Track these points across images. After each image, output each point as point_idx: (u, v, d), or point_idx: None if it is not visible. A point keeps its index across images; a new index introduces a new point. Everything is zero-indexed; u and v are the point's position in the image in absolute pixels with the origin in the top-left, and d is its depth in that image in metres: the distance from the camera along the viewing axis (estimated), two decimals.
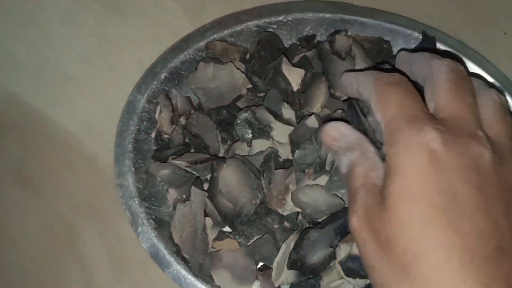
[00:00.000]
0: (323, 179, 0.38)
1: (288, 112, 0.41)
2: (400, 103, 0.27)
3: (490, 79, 0.45)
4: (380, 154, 0.30)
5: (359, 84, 0.32)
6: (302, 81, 0.42)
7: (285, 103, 0.41)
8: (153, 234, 0.41)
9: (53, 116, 0.49)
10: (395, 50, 0.47)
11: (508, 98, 0.45)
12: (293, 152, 0.38)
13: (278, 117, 0.40)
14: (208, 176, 0.42)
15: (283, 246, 0.38)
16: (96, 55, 0.51)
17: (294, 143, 0.39)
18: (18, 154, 0.48)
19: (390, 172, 0.26)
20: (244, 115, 0.41)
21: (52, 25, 0.51)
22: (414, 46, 0.47)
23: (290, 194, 0.38)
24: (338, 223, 0.38)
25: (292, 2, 0.49)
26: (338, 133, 0.31)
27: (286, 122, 0.40)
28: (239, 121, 0.41)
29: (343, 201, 0.38)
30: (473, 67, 0.46)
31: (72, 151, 0.48)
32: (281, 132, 0.40)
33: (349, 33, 0.47)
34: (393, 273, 0.25)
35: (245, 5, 0.51)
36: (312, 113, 0.40)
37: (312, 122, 0.39)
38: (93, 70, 0.50)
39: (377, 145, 0.31)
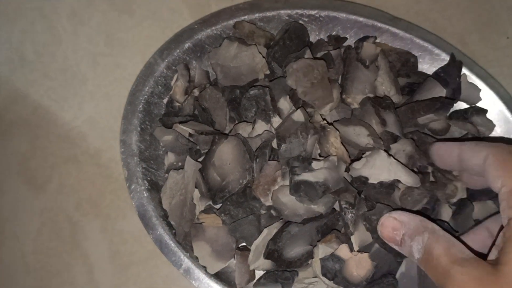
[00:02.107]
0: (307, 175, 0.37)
1: (284, 104, 0.41)
2: None
3: (507, 112, 0.45)
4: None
5: (465, 151, 0.33)
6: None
7: (288, 96, 0.41)
8: (145, 195, 0.42)
9: (58, 113, 0.50)
10: (420, 67, 0.47)
11: None
12: (279, 146, 0.39)
13: (274, 101, 0.40)
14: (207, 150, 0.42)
15: (265, 231, 0.38)
16: (102, 52, 0.51)
17: (280, 137, 0.39)
18: (23, 149, 0.49)
19: None
20: (255, 91, 0.41)
21: (60, 23, 0.52)
22: (438, 66, 0.46)
23: (276, 187, 0.38)
24: (321, 222, 0.38)
25: None
26: (397, 222, 0.31)
27: (277, 110, 0.40)
28: (248, 95, 0.41)
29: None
30: (494, 100, 0.45)
31: (76, 147, 0.48)
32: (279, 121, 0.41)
33: (377, 41, 0.47)
34: None
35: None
36: (299, 107, 0.40)
37: (297, 116, 0.39)
38: (99, 67, 0.51)
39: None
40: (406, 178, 0.37)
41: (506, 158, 0.29)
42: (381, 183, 0.37)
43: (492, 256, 0.28)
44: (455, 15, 0.53)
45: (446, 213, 0.39)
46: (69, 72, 0.51)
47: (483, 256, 0.28)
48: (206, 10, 0.51)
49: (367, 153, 0.38)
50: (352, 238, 0.37)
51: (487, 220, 0.35)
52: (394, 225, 0.31)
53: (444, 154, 0.36)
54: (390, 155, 0.38)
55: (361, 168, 0.38)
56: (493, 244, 0.29)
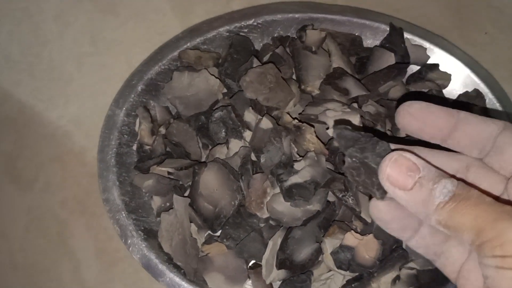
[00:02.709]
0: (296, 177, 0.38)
1: (249, 116, 0.41)
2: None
3: (459, 62, 0.47)
4: None
5: (464, 121, 0.25)
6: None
7: (250, 107, 0.42)
8: (143, 245, 0.41)
9: (44, 112, 0.50)
10: (365, 43, 0.49)
11: (473, 75, 0.46)
12: (258, 158, 0.39)
13: (239, 117, 0.41)
14: (191, 183, 0.42)
15: (270, 243, 0.39)
16: (87, 52, 0.52)
17: (257, 149, 0.39)
18: (9, 148, 0.49)
19: None
20: (219, 113, 0.41)
21: (46, 24, 0.53)
22: (382, 38, 0.48)
23: (268, 198, 0.39)
24: (320, 218, 0.38)
25: (262, 5, 0.50)
26: (413, 164, 0.23)
27: (245, 124, 0.41)
28: (214, 119, 0.42)
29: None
30: (440, 53, 0.47)
31: (62, 146, 0.49)
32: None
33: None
34: None
35: (232, 4, 0.53)
36: (264, 114, 0.41)
37: (265, 123, 0.40)
38: (84, 67, 0.52)
39: None
40: None
41: (455, 215, 0.22)
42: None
43: None
44: (435, 12, 0.55)
45: None
46: (54, 72, 0.52)
47: None
48: (189, 10, 0.53)
49: (346, 109, 0.39)
50: (363, 215, 0.38)
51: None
52: (409, 165, 0.23)
53: (435, 118, 0.26)
54: (364, 121, 0.39)
55: (331, 118, 0.39)
56: None
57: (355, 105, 0.40)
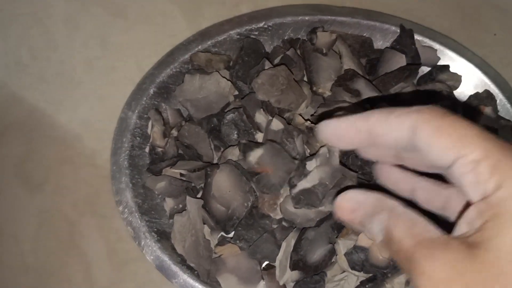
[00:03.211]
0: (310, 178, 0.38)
1: (260, 118, 0.42)
2: (481, 135, 0.21)
3: (469, 64, 0.47)
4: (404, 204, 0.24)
5: (376, 125, 0.24)
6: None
7: (262, 109, 0.42)
8: (157, 247, 0.41)
9: (54, 115, 0.50)
10: (375, 45, 0.49)
11: (483, 77, 0.46)
12: None
13: (250, 118, 0.41)
14: (203, 184, 0.42)
15: (284, 244, 0.39)
16: (97, 56, 0.53)
17: None
18: (19, 151, 0.49)
19: (498, 219, 0.21)
20: (231, 115, 0.42)
21: (56, 28, 0.54)
22: (392, 40, 0.48)
23: (281, 199, 0.39)
24: (333, 219, 0.38)
25: (272, 8, 0.50)
26: (354, 202, 0.25)
27: (255, 126, 0.41)
28: (226, 121, 0.42)
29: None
30: (450, 54, 0.47)
31: (72, 149, 0.49)
32: None
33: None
34: None
35: (241, 7, 0.53)
36: (274, 115, 0.41)
37: (276, 125, 0.40)
38: (94, 71, 0.52)
39: None
40: None
41: (445, 124, 0.22)
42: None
43: (460, 231, 0.22)
44: (442, 13, 0.55)
45: None
46: (64, 76, 0.52)
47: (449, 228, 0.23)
48: (198, 13, 0.53)
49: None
50: None
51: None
52: (351, 206, 0.25)
53: (346, 133, 0.26)
54: None
55: None
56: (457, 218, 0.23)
57: (367, 106, 0.40)
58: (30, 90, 0.51)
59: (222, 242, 0.41)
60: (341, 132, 0.26)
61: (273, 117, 0.41)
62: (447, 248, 0.21)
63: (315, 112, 0.42)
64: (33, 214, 0.47)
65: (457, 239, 0.22)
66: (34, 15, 0.54)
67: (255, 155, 0.39)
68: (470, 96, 0.46)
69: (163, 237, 0.42)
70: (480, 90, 0.46)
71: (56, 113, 0.50)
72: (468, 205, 0.22)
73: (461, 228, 0.22)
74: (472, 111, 0.44)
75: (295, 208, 0.37)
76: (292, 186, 0.38)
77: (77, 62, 0.52)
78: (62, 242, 0.46)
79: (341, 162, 0.38)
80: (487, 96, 0.45)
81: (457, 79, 0.46)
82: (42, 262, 0.46)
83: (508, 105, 0.45)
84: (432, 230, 0.22)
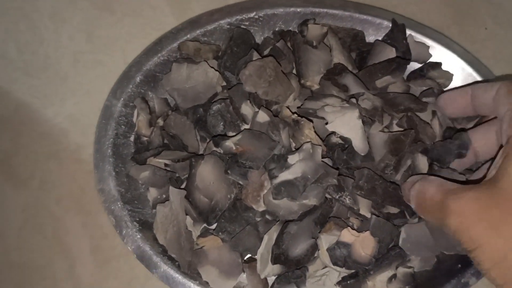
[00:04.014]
0: (292, 171, 0.38)
1: (246, 109, 0.41)
2: None
3: (459, 59, 0.46)
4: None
5: (478, 88, 0.36)
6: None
7: (248, 101, 0.41)
8: (138, 236, 0.41)
9: (40, 110, 0.50)
10: (366, 40, 0.48)
11: (475, 74, 0.46)
12: None
13: (236, 109, 0.41)
14: (187, 175, 0.42)
15: (266, 237, 0.38)
16: (83, 50, 0.52)
17: None
18: (5, 146, 0.49)
19: None
20: (217, 106, 0.41)
21: (42, 22, 0.53)
22: (384, 34, 0.48)
23: (265, 191, 0.39)
24: (316, 213, 0.38)
25: None
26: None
27: (241, 117, 0.41)
28: (212, 112, 0.41)
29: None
30: (442, 50, 0.47)
31: (58, 144, 0.49)
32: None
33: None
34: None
35: (230, 1, 0.52)
36: (260, 107, 0.40)
37: (262, 117, 0.39)
38: (80, 65, 0.51)
39: None
40: (357, 143, 0.38)
41: None
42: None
43: (490, 176, 0.28)
44: (434, 8, 0.54)
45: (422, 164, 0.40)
46: (50, 70, 0.51)
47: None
48: (186, 7, 0.53)
49: (345, 104, 0.39)
50: (361, 212, 0.38)
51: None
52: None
53: (457, 98, 0.38)
54: (362, 118, 0.39)
55: (330, 113, 0.39)
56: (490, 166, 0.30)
57: (353, 100, 0.40)
58: (16, 85, 0.51)
59: (204, 233, 0.41)
60: (454, 97, 0.39)
61: (259, 109, 0.41)
62: (470, 190, 0.27)
63: (301, 105, 0.41)
64: (18, 210, 0.47)
65: (481, 183, 0.28)
66: (20, 9, 0.53)
67: (233, 140, 0.38)
68: None
69: (145, 227, 0.42)
70: None
71: (42, 108, 0.50)
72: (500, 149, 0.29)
73: (490, 172, 0.28)
74: None
75: (275, 199, 0.37)
76: (273, 177, 0.37)
77: (63, 57, 0.52)
78: (47, 238, 0.46)
79: (324, 157, 0.38)
80: None
81: (448, 77, 0.46)
82: (26, 259, 0.46)
83: None
84: (458, 185, 0.29)
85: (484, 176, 0.30)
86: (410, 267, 0.39)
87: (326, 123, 0.39)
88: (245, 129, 0.40)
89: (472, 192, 0.27)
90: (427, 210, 0.30)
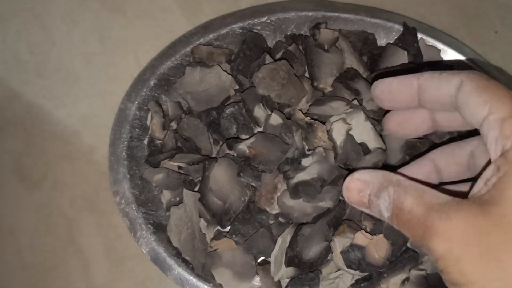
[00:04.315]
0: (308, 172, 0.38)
1: (259, 112, 0.41)
2: None
3: (472, 64, 0.46)
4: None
5: (427, 80, 0.27)
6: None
7: (261, 104, 0.42)
8: (152, 239, 0.41)
9: (53, 111, 0.50)
10: (378, 43, 0.49)
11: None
12: None
13: (249, 112, 0.41)
14: (201, 178, 0.42)
15: (279, 240, 0.38)
16: (95, 52, 0.53)
17: None
18: (17, 147, 0.49)
19: None
20: (230, 109, 0.41)
21: (54, 23, 0.54)
22: (395, 38, 0.48)
23: (278, 193, 0.39)
24: (330, 216, 0.38)
25: (276, 2, 0.50)
26: (360, 183, 0.26)
27: (254, 120, 0.41)
28: (225, 115, 0.41)
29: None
30: (453, 53, 0.47)
31: (70, 145, 0.49)
32: None
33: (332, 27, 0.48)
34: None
35: (240, 3, 0.53)
36: (273, 110, 0.40)
37: (275, 119, 0.40)
38: (92, 66, 0.52)
39: None
40: (373, 144, 0.38)
41: (486, 83, 0.24)
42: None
43: (479, 192, 0.23)
44: (443, 10, 0.54)
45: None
46: (62, 71, 0.52)
47: (461, 196, 0.23)
48: (197, 9, 0.53)
49: (348, 110, 0.39)
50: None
51: (432, 152, 0.30)
52: (358, 186, 0.26)
53: (398, 88, 0.29)
54: (369, 118, 0.39)
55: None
56: (474, 178, 0.25)
57: (355, 102, 0.40)
58: (28, 86, 0.51)
59: (218, 236, 0.41)
60: (394, 88, 0.29)
61: (272, 111, 0.41)
62: (460, 208, 0.22)
63: (308, 110, 0.42)
64: (31, 210, 0.47)
65: (469, 199, 0.23)
66: (32, 11, 0.54)
67: (246, 143, 0.39)
68: None
69: (159, 229, 0.42)
70: None
71: (55, 109, 0.50)
72: (489, 163, 0.23)
73: (478, 186, 0.23)
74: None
75: (293, 199, 0.37)
76: (289, 178, 0.37)
77: (75, 58, 0.52)
78: (60, 239, 0.46)
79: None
80: None
81: None
82: (40, 259, 0.46)
83: None
84: (442, 196, 0.23)
85: (469, 191, 0.24)
86: (423, 270, 0.39)
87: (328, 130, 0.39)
88: (258, 132, 0.40)
89: (463, 212, 0.22)
90: (403, 224, 0.24)
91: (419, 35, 0.47)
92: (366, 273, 0.39)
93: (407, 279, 0.39)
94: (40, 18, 0.54)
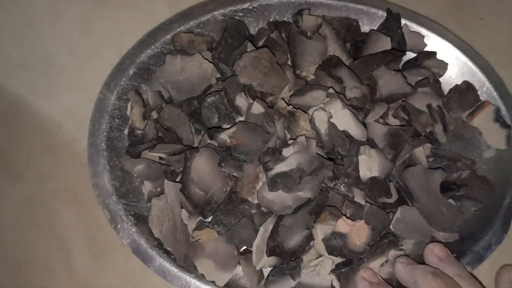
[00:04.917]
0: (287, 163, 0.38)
1: (240, 101, 0.41)
2: None
3: (454, 48, 0.46)
4: None
5: None
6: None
7: (243, 93, 0.41)
8: (133, 230, 0.41)
9: (36, 103, 0.50)
10: (362, 30, 0.48)
11: (470, 63, 0.46)
12: None
13: (231, 101, 0.40)
14: (182, 168, 0.42)
15: (261, 229, 0.38)
16: (78, 43, 0.52)
17: None
18: (0, 139, 0.49)
19: None
20: (212, 99, 0.41)
21: (37, 16, 0.53)
22: (379, 25, 0.47)
23: (260, 183, 0.38)
24: (311, 205, 0.38)
25: None
26: None
27: (235, 109, 0.40)
28: (206, 104, 0.41)
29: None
30: (437, 40, 0.47)
31: (53, 137, 0.49)
32: None
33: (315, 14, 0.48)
34: None
35: None
36: (255, 99, 0.40)
37: (256, 108, 0.39)
38: (76, 58, 0.51)
39: None
40: (355, 131, 0.38)
41: None
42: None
43: None
44: None
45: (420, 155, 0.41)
46: (46, 64, 0.51)
47: None
48: (181, 0, 0.52)
49: (325, 99, 0.39)
50: (356, 199, 0.38)
51: None
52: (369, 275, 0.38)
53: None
54: (347, 106, 0.38)
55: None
56: None
57: (331, 90, 0.40)
58: (12, 78, 0.51)
59: (200, 226, 0.41)
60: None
61: (254, 100, 0.40)
62: None
63: (289, 100, 0.41)
64: (13, 203, 0.47)
65: None
66: (16, 3, 0.53)
67: (227, 133, 0.38)
68: (450, 90, 0.45)
69: (140, 220, 0.42)
70: (466, 77, 0.45)
71: (38, 101, 0.50)
72: None
73: None
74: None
75: (271, 191, 0.37)
76: (268, 169, 0.37)
77: (59, 50, 0.52)
78: (42, 231, 0.46)
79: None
80: (466, 88, 0.45)
81: (443, 66, 0.46)
82: (21, 251, 0.46)
83: (495, 93, 0.45)
84: None
85: None
86: (401, 250, 0.39)
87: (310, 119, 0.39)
88: (239, 121, 0.40)
89: None
90: None
91: (403, 21, 0.46)
92: (346, 259, 0.39)
93: (386, 261, 0.39)
94: (24, 11, 0.53)
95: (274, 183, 0.37)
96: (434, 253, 0.37)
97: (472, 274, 0.36)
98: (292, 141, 0.39)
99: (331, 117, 0.38)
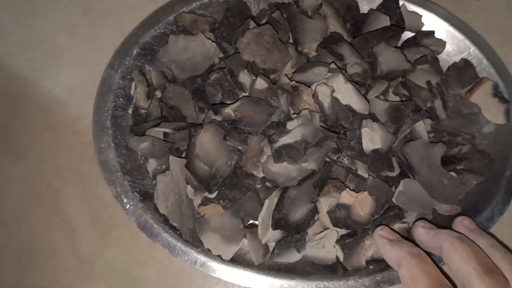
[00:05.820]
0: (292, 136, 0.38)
1: (244, 78, 0.41)
2: None
3: (453, 29, 0.47)
4: None
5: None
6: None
7: (246, 69, 0.41)
8: (139, 206, 0.41)
9: (37, 82, 0.50)
10: (361, 11, 0.49)
11: (467, 41, 0.47)
12: None
13: (234, 77, 0.41)
14: (187, 146, 0.42)
15: (267, 202, 0.39)
16: (79, 23, 0.53)
17: None
18: (2, 119, 0.49)
19: None
20: (215, 76, 0.41)
21: None
22: (377, 5, 0.48)
23: (264, 156, 0.39)
24: (315, 178, 0.39)
25: None
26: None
27: (239, 85, 0.41)
28: (210, 81, 0.41)
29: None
30: (435, 19, 0.47)
31: (55, 115, 0.49)
32: None
33: None
34: None
35: None
36: (258, 75, 0.41)
37: (260, 84, 0.40)
38: (77, 37, 0.52)
39: None
40: (357, 104, 0.39)
41: None
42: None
43: None
44: None
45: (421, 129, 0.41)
46: (47, 43, 0.52)
47: None
48: None
49: (328, 74, 0.39)
50: (359, 172, 0.38)
51: None
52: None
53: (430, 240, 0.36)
54: (349, 81, 0.39)
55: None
56: None
57: (333, 65, 0.40)
58: (13, 58, 0.51)
59: (205, 202, 0.41)
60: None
61: (257, 77, 0.41)
62: None
63: (291, 77, 0.42)
64: (16, 181, 0.47)
65: None
66: None
67: (231, 107, 0.39)
68: (449, 67, 0.46)
69: (146, 197, 0.42)
70: (464, 55, 0.46)
71: (39, 80, 0.50)
72: None
73: None
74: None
75: (276, 162, 0.37)
76: (273, 141, 0.37)
77: (60, 30, 0.52)
78: (46, 209, 0.46)
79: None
80: (465, 65, 0.46)
81: (441, 44, 0.46)
82: (25, 229, 0.46)
83: (493, 70, 0.46)
84: None
85: None
86: (405, 222, 0.40)
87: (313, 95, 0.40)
88: (243, 96, 0.40)
89: None
90: None
91: (401, 1, 0.47)
92: (351, 230, 0.39)
93: None
94: None
95: (279, 155, 0.37)
96: (464, 224, 0.36)
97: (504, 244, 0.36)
98: (295, 115, 0.40)
99: (333, 91, 0.39)
